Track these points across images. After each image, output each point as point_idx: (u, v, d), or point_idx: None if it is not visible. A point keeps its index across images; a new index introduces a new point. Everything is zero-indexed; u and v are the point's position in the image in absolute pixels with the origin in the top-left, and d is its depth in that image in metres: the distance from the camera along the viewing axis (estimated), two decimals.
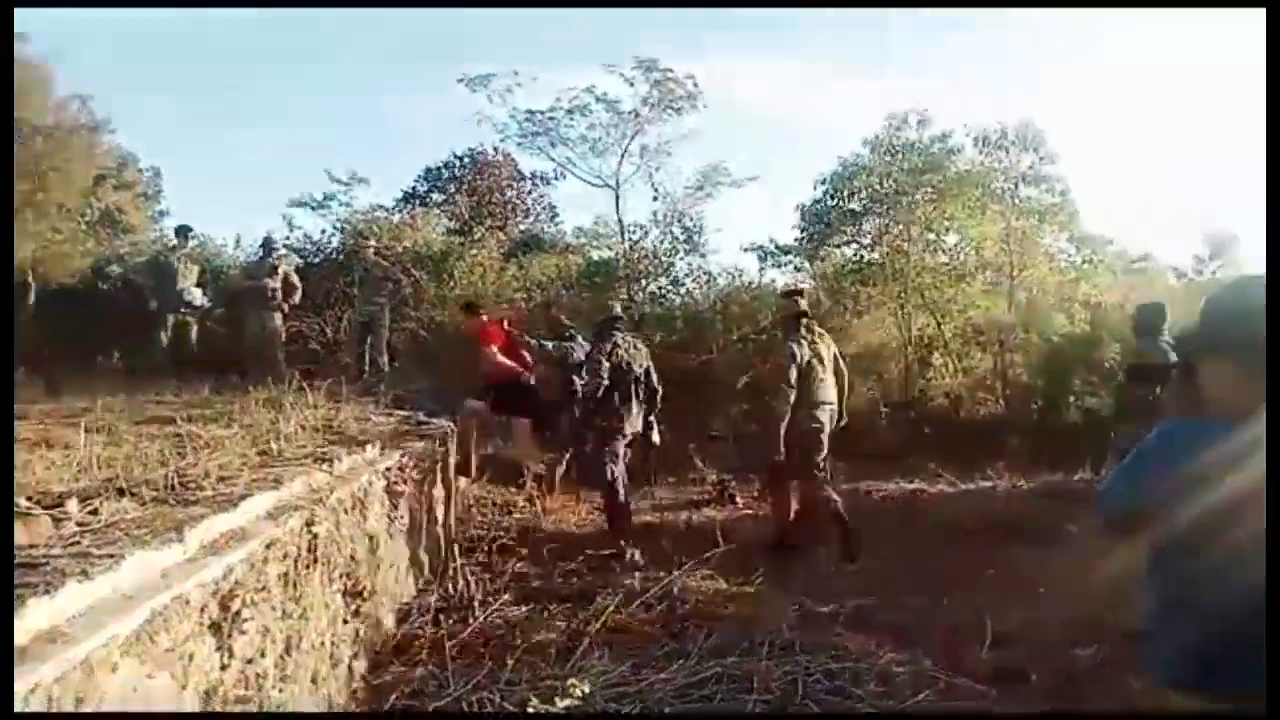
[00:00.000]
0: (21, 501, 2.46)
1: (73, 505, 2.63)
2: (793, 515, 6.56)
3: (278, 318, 10.14)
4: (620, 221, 14.02)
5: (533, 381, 8.11)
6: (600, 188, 14.02)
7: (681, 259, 14.09)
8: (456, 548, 5.48)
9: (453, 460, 6.85)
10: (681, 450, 9.79)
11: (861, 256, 13.44)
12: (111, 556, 2.15)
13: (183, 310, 10.15)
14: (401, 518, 4.66)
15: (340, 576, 3.51)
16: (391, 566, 4.42)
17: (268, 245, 10.76)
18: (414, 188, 21.73)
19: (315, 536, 3.21)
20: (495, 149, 21.32)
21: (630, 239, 13.93)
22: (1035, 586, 5.13)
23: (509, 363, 7.80)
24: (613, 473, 6.45)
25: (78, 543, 2.30)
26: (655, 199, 13.98)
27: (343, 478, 3.78)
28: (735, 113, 28.01)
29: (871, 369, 12.82)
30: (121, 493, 2.86)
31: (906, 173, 12.33)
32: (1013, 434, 10.68)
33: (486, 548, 5.73)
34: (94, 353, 12.22)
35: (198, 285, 10.45)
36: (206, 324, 11.23)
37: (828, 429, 6.41)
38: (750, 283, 14.17)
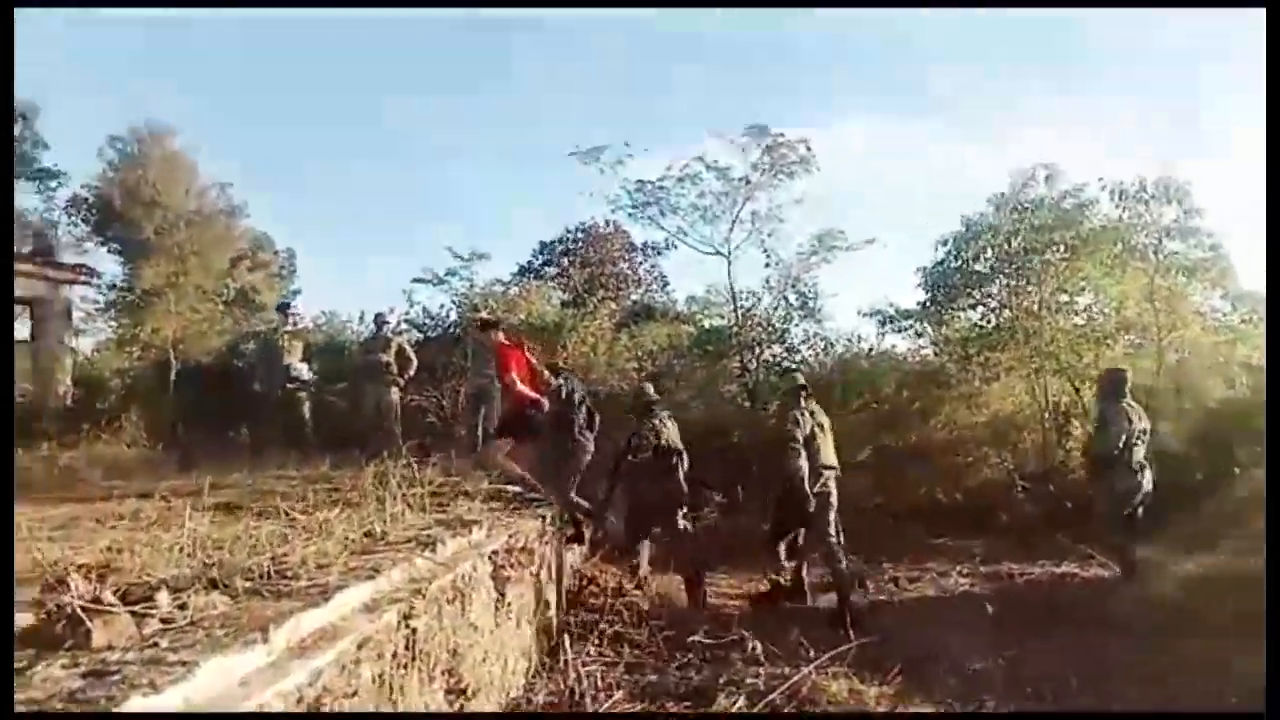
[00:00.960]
0: (107, 596, 2.31)
1: (163, 598, 2.48)
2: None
3: (394, 392, 10.25)
4: (732, 288, 13.79)
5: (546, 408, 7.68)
6: (711, 255, 13.85)
7: (796, 325, 13.74)
8: (567, 637, 5.18)
9: (563, 534, 6.63)
10: None
11: (989, 320, 12.72)
12: (184, 664, 1.96)
13: (290, 385, 10.39)
14: (509, 604, 4.40)
15: (441, 674, 3.26)
16: (498, 658, 4.16)
17: (379, 321, 10.96)
18: (529, 262, 22.24)
19: (414, 631, 2.97)
20: (607, 221, 21.67)
21: (742, 306, 13.65)
22: (1226, 690, 4.45)
23: (530, 393, 7.50)
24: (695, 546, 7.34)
25: (155, 644, 2.12)
26: (767, 265, 13.71)
27: (445, 565, 3.57)
28: (850, 175, 27.66)
29: (1004, 439, 12.00)
30: (214, 584, 2.71)
31: (1035, 230, 11.62)
32: (1170, 510, 9.69)
33: (598, 637, 5.40)
34: (227, 428, 12.68)
35: (303, 360, 10.70)
36: (326, 398, 11.48)
37: (835, 492, 7.04)
38: (869, 349, 13.67)
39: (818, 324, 13.71)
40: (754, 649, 5.20)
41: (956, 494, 11.10)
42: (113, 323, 19.79)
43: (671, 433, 7.45)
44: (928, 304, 12.97)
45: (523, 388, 7.45)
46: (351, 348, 13.83)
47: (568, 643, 5.03)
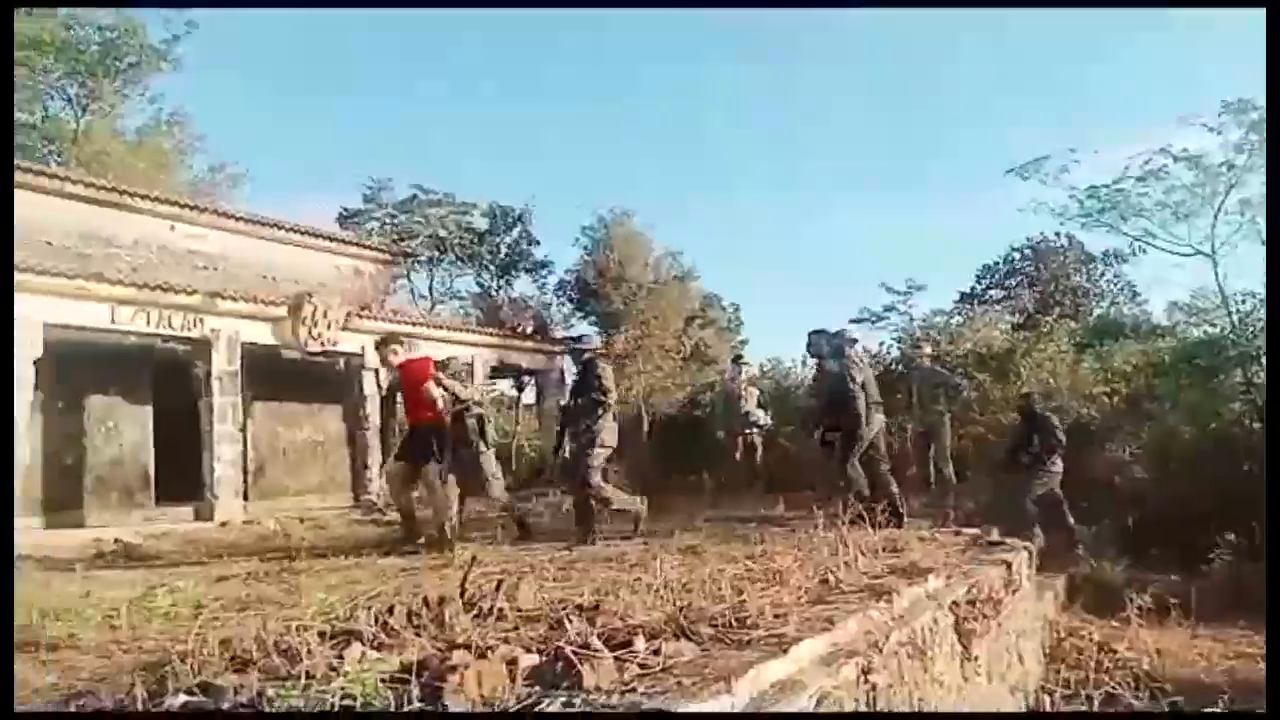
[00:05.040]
0: (594, 641, 2.59)
1: (639, 643, 2.71)
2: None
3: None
4: (1222, 291, 11.71)
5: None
6: (1190, 256, 11.93)
7: None
8: (1049, 698, 4.68)
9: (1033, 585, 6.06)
10: None
11: None
12: (661, 713, 2.11)
13: (748, 431, 10.91)
14: (976, 659, 4.11)
15: None
16: None
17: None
18: (971, 288, 21.15)
19: (874, 688, 2.90)
20: (1056, 234, 19.83)
21: (1239, 310, 11.49)
22: None
23: (441, 406, 6.98)
24: None
25: (634, 689, 2.32)
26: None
27: (902, 617, 3.44)
28: None
29: None
30: (682, 631, 2.90)
31: None
32: None
33: (1086, 700, 4.80)
34: (691, 472, 13.76)
35: (759, 406, 11.18)
36: (778, 441, 11.92)
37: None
38: None
39: None
40: None
41: None
42: None
43: None
44: None
45: (439, 399, 6.98)
46: (797, 392, 14.24)
47: (1049, 704, 4.54)
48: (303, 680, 2.26)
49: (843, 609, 3.27)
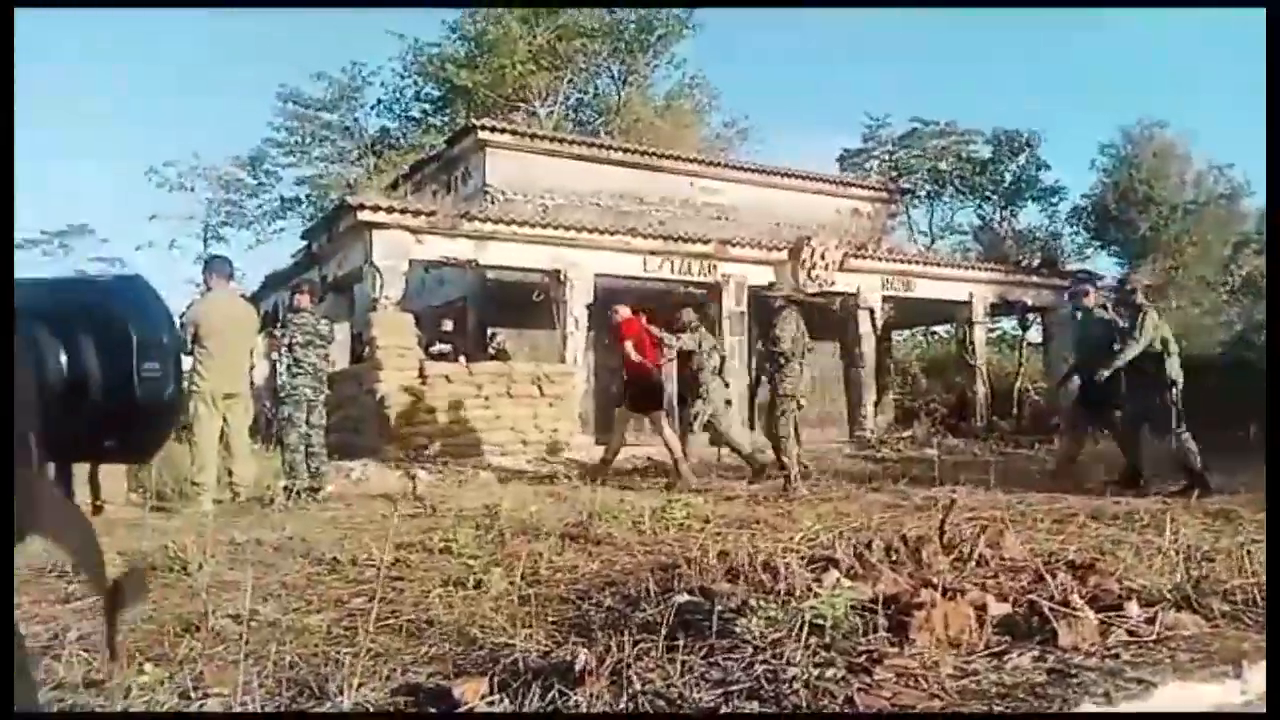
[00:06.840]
0: (1075, 599, 2.45)
1: (1132, 609, 2.51)
2: None
3: None
4: None
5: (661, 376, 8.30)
6: None
7: None
8: None
9: None
10: None
11: None
12: (1142, 683, 1.95)
13: None
14: None
15: None
16: None
17: None
18: None
19: None
20: None
21: None
22: None
23: (640, 359, 7.88)
24: None
25: (1116, 656, 2.17)
26: None
27: None
28: None
29: None
30: (1186, 602, 2.60)
31: None
32: None
33: None
34: (1234, 426, 11.71)
35: None
36: None
37: None
38: None
39: None
40: None
41: None
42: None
43: None
44: None
45: (635, 355, 7.82)
46: None
47: None
48: (782, 596, 2.51)
49: None
